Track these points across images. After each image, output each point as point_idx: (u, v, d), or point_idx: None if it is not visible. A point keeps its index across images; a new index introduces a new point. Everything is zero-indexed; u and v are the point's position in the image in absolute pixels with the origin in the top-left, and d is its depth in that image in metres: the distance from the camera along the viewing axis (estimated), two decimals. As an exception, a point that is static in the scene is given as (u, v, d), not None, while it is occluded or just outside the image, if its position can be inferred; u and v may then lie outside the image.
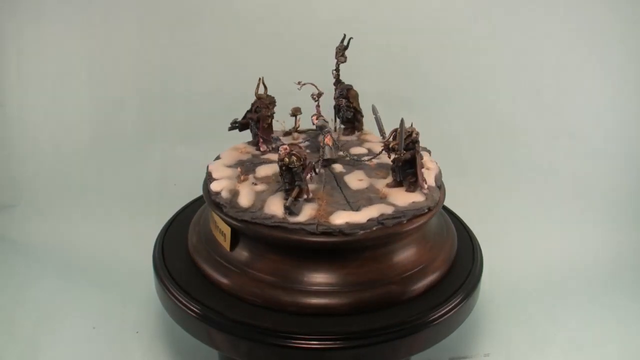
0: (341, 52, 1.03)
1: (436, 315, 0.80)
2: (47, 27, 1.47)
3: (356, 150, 1.00)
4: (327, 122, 0.96)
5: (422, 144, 0.87)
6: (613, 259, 1.30)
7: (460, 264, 0.92)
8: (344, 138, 1.05)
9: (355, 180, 0.89)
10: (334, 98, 1.05)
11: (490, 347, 1.05)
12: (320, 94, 1.01)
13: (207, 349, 0.90)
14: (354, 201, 0.83)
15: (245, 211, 0.81)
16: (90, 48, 1.49)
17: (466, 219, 1.07)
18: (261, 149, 1.00)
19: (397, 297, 0.81)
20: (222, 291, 0.83)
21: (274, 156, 0.98)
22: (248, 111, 1.01)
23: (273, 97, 1.01)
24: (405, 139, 0.82)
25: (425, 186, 0.85)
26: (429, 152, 1.01)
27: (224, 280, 0.83)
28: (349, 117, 1.04)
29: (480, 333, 1.09)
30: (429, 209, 0.84)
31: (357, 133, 1.07)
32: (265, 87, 1.01)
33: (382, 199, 0.83)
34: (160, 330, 1.08)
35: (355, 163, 0.94)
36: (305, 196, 0.80)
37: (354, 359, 0.77)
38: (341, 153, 0.96)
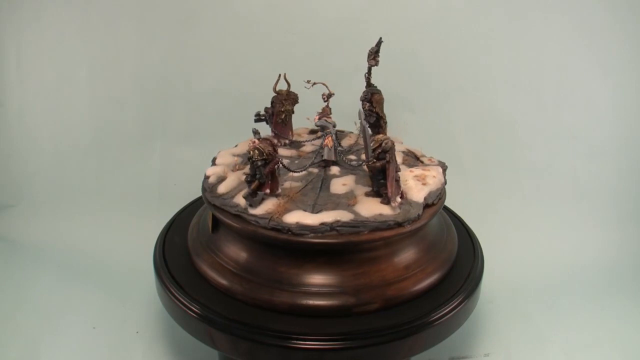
0: (372, 55, 1.01)
1: (437, 316, 0.80)
2: (47, 27, 1.47)
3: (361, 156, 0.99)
4: (329, 123, 0.95)
5: (425, 145, 0.87)
6: (613, 259, 1.31)
7: (461, 265, 0.92)
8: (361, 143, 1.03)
9: (339, 185, 0.88)
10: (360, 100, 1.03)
11: (490, 347, 1.05)
12: (330, 95, 1.01)
13: (207, 349, 0.90)
14: (322, 204, 0.82)
15: (219, 197, 0.85)
16: (90, 48, 1.49)
17: (466, 219, 1.07)
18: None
19: (397, 298, 0.81)
20: (222, 292, 0.83)
21: (286, 151, 0.99)
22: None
23: (294, 94, 1.02)
24: (375, 148, 0.79)
25: (397, 200, 0.81)
26: (444, 167, 0.97)
27: (222, 282, 0.84)
28: (371, 121, 1.01)
29: (480, 333, 1.09)
30: (398, 224, 0.79)
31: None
32: (288, 84, 1.02)
33: (349, 206, 0.82)
34: (160, 330, 1.08)
35: (353, 168, 0.93)
36: (267, 191, 0.80)
37: (354, 360, 0.77)
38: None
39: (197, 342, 0.83)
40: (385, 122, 1.02)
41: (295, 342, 0.75)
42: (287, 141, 1.02)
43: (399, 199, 0.81)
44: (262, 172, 0.78)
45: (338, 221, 0.78)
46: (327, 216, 0.79)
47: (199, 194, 0.95)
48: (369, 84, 1.02)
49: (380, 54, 0.99)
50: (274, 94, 1.02)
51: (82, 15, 1.46)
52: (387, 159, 0.78)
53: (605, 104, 1.48)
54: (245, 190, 0.80)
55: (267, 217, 0.79)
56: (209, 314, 0.80)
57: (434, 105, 1.50)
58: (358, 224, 0.79)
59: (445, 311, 0.81)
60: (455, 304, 0.83)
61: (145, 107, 1.53)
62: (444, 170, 0.96)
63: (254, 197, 0.80)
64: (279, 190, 0.83)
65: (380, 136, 0.80)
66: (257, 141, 0.78)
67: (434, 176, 0.90)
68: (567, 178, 1.47)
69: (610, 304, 1.17)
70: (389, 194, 0.80)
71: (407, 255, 0.85)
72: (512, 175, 1.49)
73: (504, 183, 1.48)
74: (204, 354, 1.00)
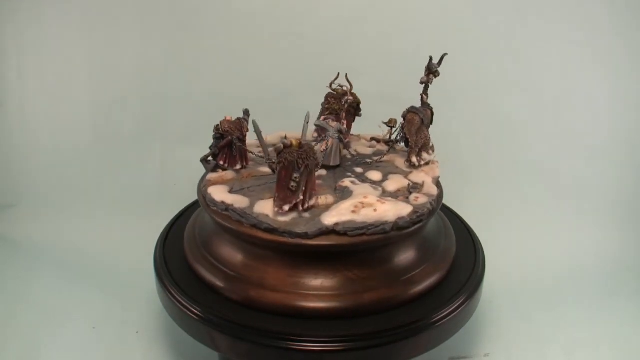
0: (427, 71, 0.95)
1: (439, 317, 0.80)
2: (47, 27, 1.47)
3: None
4: (329, 126, 0.95)
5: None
6: (613, 259, 1.30)
7: (462, 265, 0.92)
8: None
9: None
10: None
11: (490, 347, 1.05)
12: (347, 100, 1.02)
13: (207, 349, 0.90)
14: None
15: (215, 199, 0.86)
16: (90, 48, 1.49)
17: (466, 219, 1.07)
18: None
19: (397, 300, 0.81)
20: (222, 293, 0.83)
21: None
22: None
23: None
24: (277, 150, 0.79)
25: (285, 208, 0.79)
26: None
27: (219, 284, 0.83)
28: (399, 139, 0.99)
29: (480, 333, 1.09)
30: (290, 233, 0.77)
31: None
32: (350, 84, 1.02)
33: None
34: (160, 330, 1.08)
35: (361, 178, 0.93)
36: (221, 162, 0.92)
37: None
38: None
39: (197, 342, 0.83)
40: (415, 145, 0.95)
41: (295, 344, 0.75)
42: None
43: (286, 207, 0.79)
44: (215, 144, 0.91)
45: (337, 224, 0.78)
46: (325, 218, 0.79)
47: (199, 194, 0.95)
48: (423, 104, 0.97)
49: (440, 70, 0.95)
50: (329, 91, 1.04)
51: (82, 15, 1.47)
52: (280, 162, 0.78)
53: (605, 103, 1.48)
54: (201, 156, 0.92)
55: (264, 220, 0.79)
56: (210, 315, 0.79)
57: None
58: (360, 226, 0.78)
59: (447, 312, 0.81)
60: (457, 304, 0.83)
61: (145, 107, 1.54)
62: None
63: (207, 164, 0.93)
64: (239, 167, 0.94)
65: (286, 141, 0.79)
66: (227, 117, 0.91)
67: (375, 210, 0.80)
68: (567, 178, 1.47)
69: (610, 304, 1.17)
70: (276, 198, 0.80)
71: (404, 257, 0.85)
72: (513, 175, 1.49)
73: (504, 183, 1.48)
74: (204, 354, 0.99)
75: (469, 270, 0.91)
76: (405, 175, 0.93)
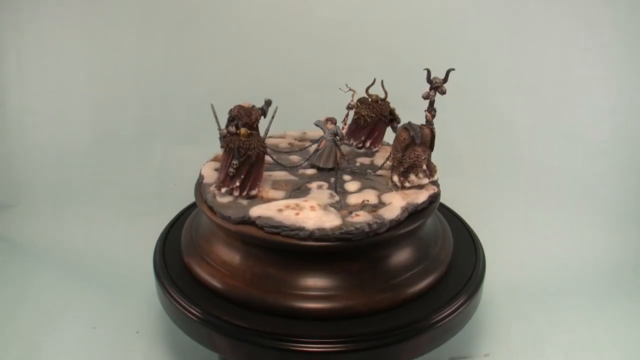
0: (432, 85, 0.87)
1: (439, 317, 0.80)
2: (47, 27, 1.47)
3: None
4: (325, 128, 0.95)
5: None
6: (613, 259, 1.30)
7: (462, 266, 0.92)
8: None
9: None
10: None
11: (490, 347, 1.05)
12: (351, 107, 1.02)
13: (207, 349, 0.90)
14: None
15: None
16: (90, 48, 1.49)
17: (466, 219, 1.07)
18: None
19: (396, 300, 0.81)
20: (221, 294, 0.83)
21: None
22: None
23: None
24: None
25: (222, 190, 0.84)
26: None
27: (218, 285, 0.83)
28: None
29: (480, 333, 1.09)
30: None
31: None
32: (385, 92, 1.00)
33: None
34: (160, 330, 1.08)
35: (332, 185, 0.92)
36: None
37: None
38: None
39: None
40: (399, 163, 0.87)
41: (294, 345, 0.75)
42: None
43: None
44: (226, 125, 0.90)
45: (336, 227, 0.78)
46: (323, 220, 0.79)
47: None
48: (427, 121, 0.89)
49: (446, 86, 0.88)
50: (365, 96, 1.02)
51: (82, 15, 1.47)
52: (223, 146, 0.85)
53: (606, 103, 1.48)
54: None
55: (210, 198, 0.82)
56: (210, 317, 0.79)
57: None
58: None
59: (447, 312, 0.81)
60: (457, 305, 0.83)
61: (145, 107, 1.54)
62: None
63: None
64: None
65: (232, 129, 0.85)
66: (245, 103, 0.94)
67: (297, 213, 0.80)
68: (567, 178, 1.47)
69: (610, 304, 1.17)
70: (218, 180, 0.87)
71: (402, 258, 0.84)
72: (513, 175, 1.49)
73: (504, 183, 1.48)
74: (205, 354, 0.99)
75: (469, 270, 0.91)
76: (381, 193, 0.86)
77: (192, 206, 1.09)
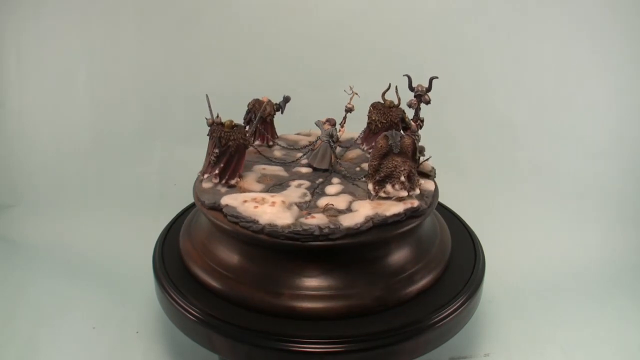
0: (416, 92, 0.86)
1: (439, 318, 0.80)
2: (47, 27, 1.47)
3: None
4: (322, 129, 0.95)
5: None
6: (613, 258, 1.30)
7: (462, 266, 0.92)
8: None
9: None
10: None
11: (490, 347, 1.05)
12: (350, 110, 1.02)
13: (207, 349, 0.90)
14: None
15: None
16: (90, 48, 1.50)
17: (466, 219, 1.07)
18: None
19: (395, 300, 0.81)
20: (221, 294, 0.83)
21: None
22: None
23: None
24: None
25: (205, 176, 0.88)
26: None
27: (217, 285, 0.83)
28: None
29: (480, 333, 1.09)
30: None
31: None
32: (399, 98, 1.00)
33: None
34: (160, 330, 1.08)
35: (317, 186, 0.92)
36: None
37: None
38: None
39: (196, 342, 0.83)
40: (375, 171, 0.84)
41: (294, 345, 0.75)
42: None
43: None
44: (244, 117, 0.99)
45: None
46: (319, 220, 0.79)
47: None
48: (412, 131, 0.87)
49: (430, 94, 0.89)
50: (380, 101, 1.02)
51: (82, 16, 1.47)
52: (209, 134, 0.89)
53: (606, 104, 1.48)
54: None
55: (196, 184, 0.84)
56: (208, 317, 0.79)
57: (433, 105, 1.49)
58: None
59: (446, 313, 0.81)
60: (457, 305, 0.83)
61: (145, 107, 1.54)
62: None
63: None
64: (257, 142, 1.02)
65: (217, 119, 0.89)
66: (264, 97, 0.99)
67: (255, 207, 0.81)
68: (567, 178, 1.47)
69: (610, 304, 1.17)
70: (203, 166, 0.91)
71: (399, 257, 0.84)
72: (512, 175, 1.49)
73: (504, 183, 1.48)
74: (204, 354, 0.99)
75: (468, 270, 0.91)
76: (355, 200, 0.84)
77: (191, 206, 1.09)
